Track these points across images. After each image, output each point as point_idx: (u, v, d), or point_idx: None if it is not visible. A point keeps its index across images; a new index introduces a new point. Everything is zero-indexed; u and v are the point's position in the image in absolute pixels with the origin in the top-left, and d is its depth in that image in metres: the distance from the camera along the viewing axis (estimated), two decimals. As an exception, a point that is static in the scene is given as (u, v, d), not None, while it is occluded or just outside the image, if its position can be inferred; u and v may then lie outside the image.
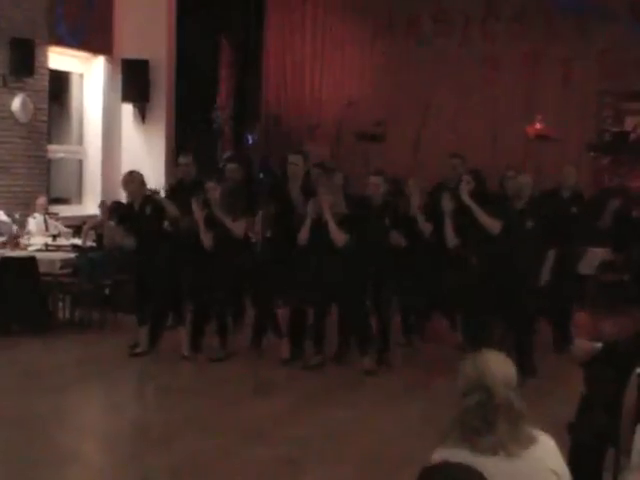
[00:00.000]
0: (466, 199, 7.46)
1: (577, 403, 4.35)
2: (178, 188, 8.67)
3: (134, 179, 7.93)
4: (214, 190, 7.81)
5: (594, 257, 10.19)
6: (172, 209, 7.89)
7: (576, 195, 8.77)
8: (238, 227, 7.82)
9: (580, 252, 9.18)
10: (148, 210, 7.86)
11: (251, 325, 8.34)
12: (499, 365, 2.69)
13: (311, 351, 7.78)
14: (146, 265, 7.93)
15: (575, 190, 8.79)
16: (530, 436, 2.64)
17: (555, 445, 2.70)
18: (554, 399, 6.37)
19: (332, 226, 7.50)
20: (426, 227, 7.97)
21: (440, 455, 2.55)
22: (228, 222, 7.75)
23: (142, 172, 10.05)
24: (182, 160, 8.83)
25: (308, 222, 7.58)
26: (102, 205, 8.86)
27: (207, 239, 7.71)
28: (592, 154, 12.38)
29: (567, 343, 7.67)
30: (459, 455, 2.49)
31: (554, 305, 8.28)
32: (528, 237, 7.40)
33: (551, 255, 7.66)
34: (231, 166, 9.00)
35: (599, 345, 4.25)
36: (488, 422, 2.59)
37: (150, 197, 7.94)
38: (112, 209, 8.50)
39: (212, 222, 7.75)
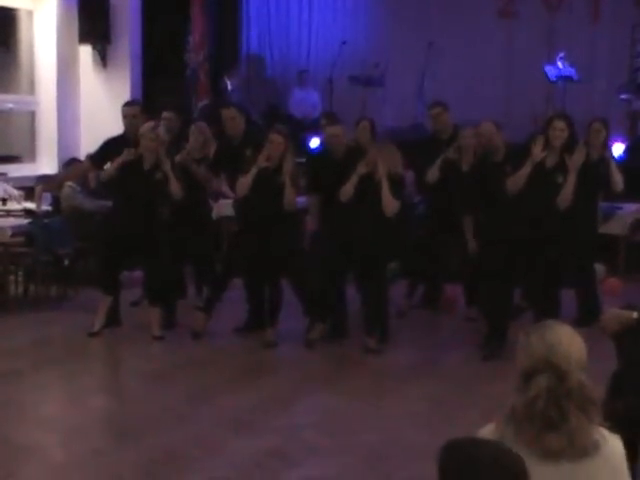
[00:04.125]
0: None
1: (607, 383, 4.33)
2: None
3: (158, 137, 7.87)
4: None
5: (626, 215, 10.24)
6: (177, 189, 7.83)
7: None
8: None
9: (609, 210, 9.17)
10: (159, 175, 7.81)
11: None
12: (572, 340, 2.59)
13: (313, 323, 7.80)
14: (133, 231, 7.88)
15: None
16: (601, 433, 2.56)
17: (623, 451, 2.61)
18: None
19: (386, 190, 7.47)
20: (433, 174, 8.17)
21: None
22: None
23: (104, 124, 9.98)
24: (165, 114, 8.82)
25: (356, 176, 7.53)
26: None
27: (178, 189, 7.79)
28: (624, 97, 12.32)
29: (594, 314, 7.74)
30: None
31: (577, 270, 8.28)
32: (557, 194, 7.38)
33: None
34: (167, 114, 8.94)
35: (635, 314, 4.21)
36: (562, 411, 2.48)
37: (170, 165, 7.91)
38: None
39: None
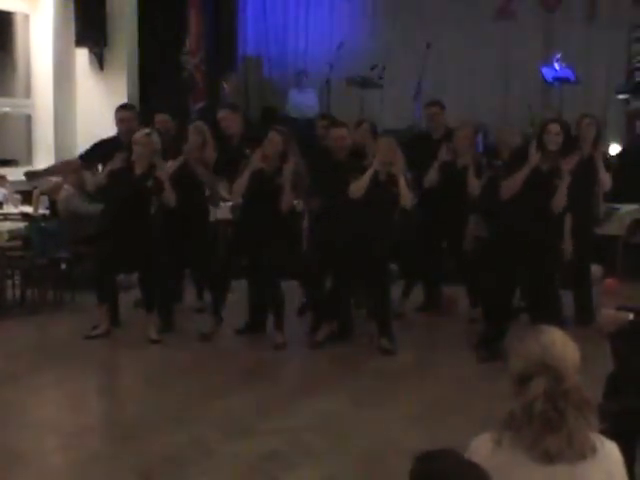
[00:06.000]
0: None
1: (604, 383, 4.34)
2: None
3: (151, 143, 7.80)
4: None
5: (623, 216, 10.25)
6: (172, 198, 7.80)
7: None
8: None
9: (607, 211, 9.16)
10: (150, 182, 7.76)
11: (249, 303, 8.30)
12: (566, 343, 2.63)
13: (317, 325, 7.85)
14: (122, 235, 7.85)
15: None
16: (599, 438, 2.60)
17: (620, 457, 2.64)
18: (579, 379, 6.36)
19: (403, 183, 7.48)
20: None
21: (497, 458, 2.49)
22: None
23: (101, 127, 9.96)
24: (158, 117, 8.84)
25: (370, 172, 7.46)
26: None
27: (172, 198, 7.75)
28: (621, 97, 12.33)
29: (591, 314, 7.74)
30: (516, 461, 2.45)
31: (574, 272, 8.29)
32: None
33: (568, 220, 7.53)
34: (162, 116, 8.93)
35: (630, 315, 4.23)
36: (560, 412, 2.52)
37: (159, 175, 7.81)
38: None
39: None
